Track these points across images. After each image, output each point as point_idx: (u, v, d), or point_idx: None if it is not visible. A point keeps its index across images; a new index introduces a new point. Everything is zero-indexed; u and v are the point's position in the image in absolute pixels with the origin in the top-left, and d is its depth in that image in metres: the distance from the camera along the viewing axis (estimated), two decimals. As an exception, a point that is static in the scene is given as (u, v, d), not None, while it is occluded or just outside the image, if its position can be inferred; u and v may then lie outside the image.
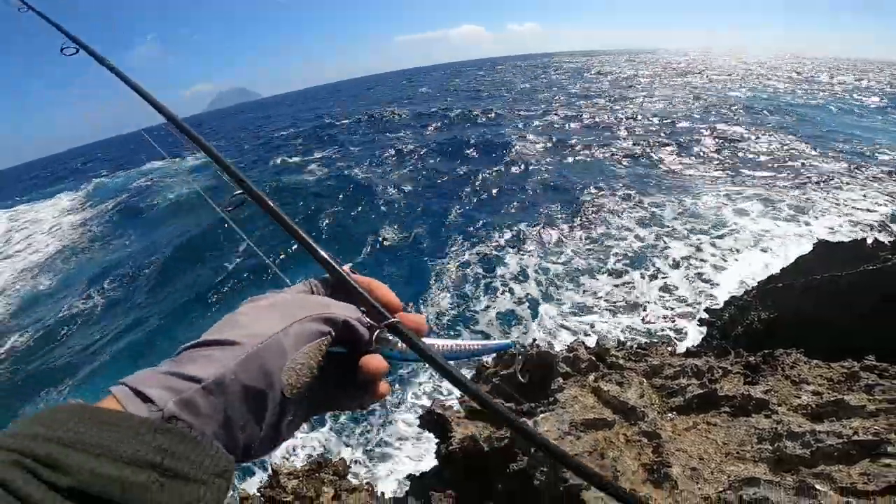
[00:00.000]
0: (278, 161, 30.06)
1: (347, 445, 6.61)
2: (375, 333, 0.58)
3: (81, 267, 19.59)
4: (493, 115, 36.92)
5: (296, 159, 30.19)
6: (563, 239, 14.99)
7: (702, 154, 22.28)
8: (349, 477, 3.04)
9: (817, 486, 1.86)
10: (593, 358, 4.17)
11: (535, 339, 4.91)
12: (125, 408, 0.40)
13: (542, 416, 3.34)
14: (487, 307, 11.55)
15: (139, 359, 11.80)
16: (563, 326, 9.78)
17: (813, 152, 21.13)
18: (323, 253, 0.62)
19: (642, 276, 11.69)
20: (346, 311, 0.55)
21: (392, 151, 27.65)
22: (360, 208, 19.36)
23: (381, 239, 16.29)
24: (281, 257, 12.48)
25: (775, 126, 27.40)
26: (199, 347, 0.46)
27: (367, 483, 3.06)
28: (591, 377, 3.86)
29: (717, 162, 20.95)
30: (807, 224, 13.16)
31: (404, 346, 0.58)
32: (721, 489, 2.09)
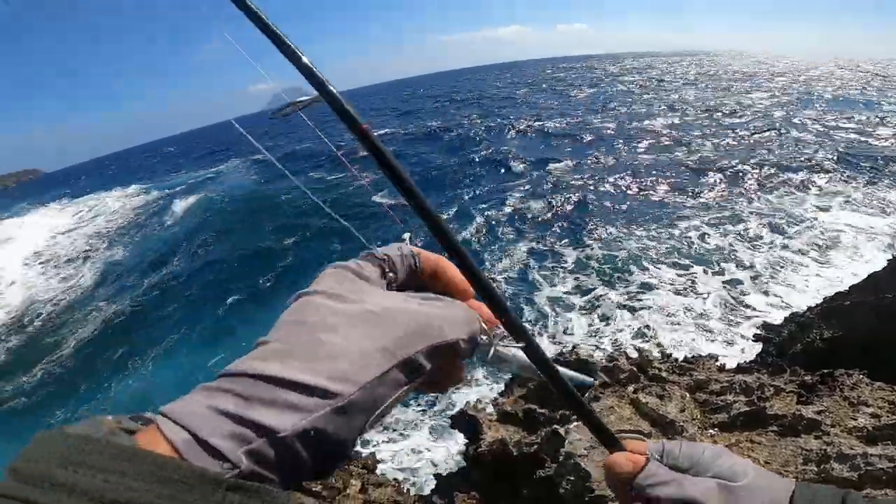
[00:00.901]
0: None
1: (375, 444, 6.72)
2: (479, 346, 0.49)
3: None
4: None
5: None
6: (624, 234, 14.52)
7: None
8: (377, 472, 3.10)
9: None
10: (634, 369, 4.01)
11: (575, 346, 4.79)
12: (186, 459, 0.31)
13: (574, 424, 3.26)
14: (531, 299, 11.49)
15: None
16: (606, 331, 9.48)
17: None
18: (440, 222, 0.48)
19: (704, 274, 11.10)
20: (455, 325, 0.45)
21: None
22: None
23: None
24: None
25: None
26: (275, 384, 0.35)
27: (395, 479, 3.10)
28: (631, 388, 3.71)
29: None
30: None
31: (503, 353, 0.51)
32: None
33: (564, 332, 10.12)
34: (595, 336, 9.40)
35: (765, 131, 27.42)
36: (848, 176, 17.53)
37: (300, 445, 0.34)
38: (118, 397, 11.17)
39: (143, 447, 0.31)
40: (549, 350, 9.08)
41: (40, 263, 21.98)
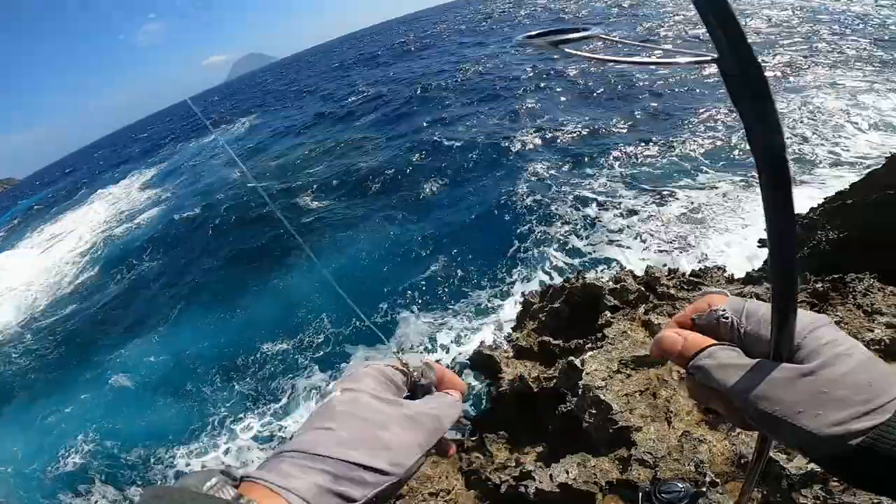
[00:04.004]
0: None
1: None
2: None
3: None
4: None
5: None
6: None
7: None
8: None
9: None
10: (642, 288, 4.02)
11: (580, 270, 4.78)
12: None
13: (589, 354, 3.32)
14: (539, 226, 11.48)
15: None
16: (608, 245, 9.54)
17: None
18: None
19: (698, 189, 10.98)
20: (450, 417, 0.62)
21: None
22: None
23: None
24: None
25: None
26: (354, 466, 0.50)
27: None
28: (641, 309, 3.75)
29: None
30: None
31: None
32: (782, 433, 2.02)
33: (567, 254, 10.17)
34: (599, 259, 9.42)
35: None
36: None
37: None
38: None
39: None
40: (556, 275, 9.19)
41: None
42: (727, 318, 0.57)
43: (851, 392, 0.47)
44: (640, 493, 1.44)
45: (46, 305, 18.27)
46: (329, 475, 0.48)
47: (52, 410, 11.12)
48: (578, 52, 0.45)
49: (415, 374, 0.65)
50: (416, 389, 0.65)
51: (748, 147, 0.42)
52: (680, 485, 1.33)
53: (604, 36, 0.47)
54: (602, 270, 8.93)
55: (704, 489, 1.70)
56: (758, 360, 0.52)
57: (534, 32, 0.47)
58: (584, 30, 0.45)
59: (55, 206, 39.94)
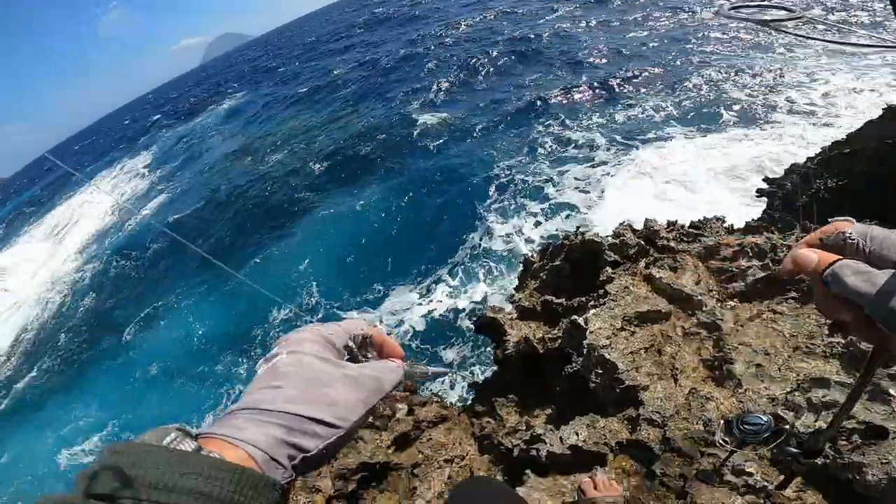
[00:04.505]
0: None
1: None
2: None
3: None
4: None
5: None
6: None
7: None
8: (419, 392, 3.26)
9: (891, 391, 1.78)
10: (642, 242, 4.00)
11: (579, 227, 4.75)
12: (265, 472, 0.48)
13: (592, 312, 3.33)
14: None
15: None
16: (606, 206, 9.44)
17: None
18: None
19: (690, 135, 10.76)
20: (390, 380, 0.67)
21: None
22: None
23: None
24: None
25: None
26: (305, 420, 0.54)
27: (437, 395, 3.27)
28: (642, 263, 3.74)
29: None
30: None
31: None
32: (788, 390, 2.05)
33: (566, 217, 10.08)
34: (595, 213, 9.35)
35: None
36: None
37: (318, 455, 0.54)
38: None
39: (232, 461, 0.45)
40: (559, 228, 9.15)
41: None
42: (854, 239, 0.62)
43: None
44: (723, 422, 1.48)
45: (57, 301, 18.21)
46: (283, 427, 0.52)
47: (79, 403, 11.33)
48: (793, 32, 0.50)
49: (354, 339, 0.71)
50: (355, 354, 0.70)
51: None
52: (763, 417, 1.37)
53: (809, 16, 0.51)
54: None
55: (788, 425, 1.73)
56: (890, 270, 0.55)
57: (739, 3, 0.50)
58: (787, 9, 0.49)
59: (48, 203, 39.04)
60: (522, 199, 10.99)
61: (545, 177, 11.57)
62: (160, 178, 28.58)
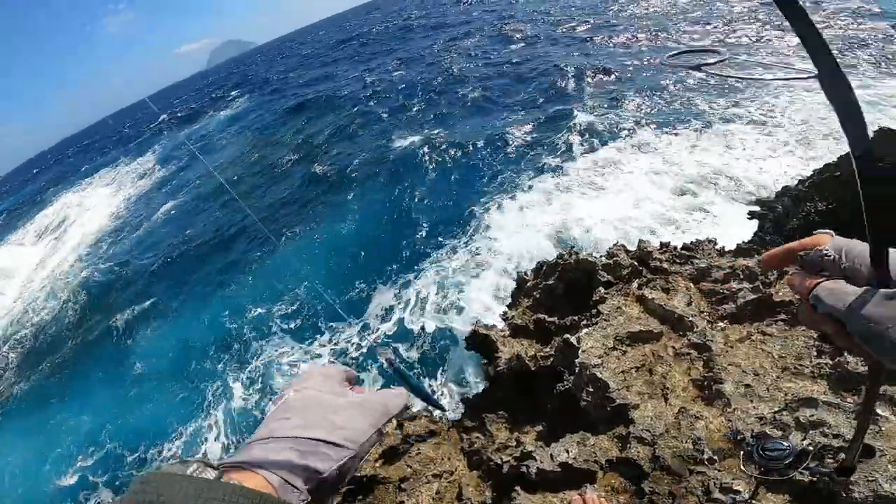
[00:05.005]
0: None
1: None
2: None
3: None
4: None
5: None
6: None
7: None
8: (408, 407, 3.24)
9: (878, 411, 1.80)
10: (635, 262, 4.04)
11: (572, 246, 4.79)
12: (280, 496, 0.51)
13: (584, 331, 3.34)
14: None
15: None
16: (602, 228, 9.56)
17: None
18: None
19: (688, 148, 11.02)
20: (395, 405, 0.70)
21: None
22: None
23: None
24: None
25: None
26: (317, 443, 0.57)
27: (427, 410, 3.25)
28: (635, 284, 3.77)
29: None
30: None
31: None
32: (777, 409, 2.07)
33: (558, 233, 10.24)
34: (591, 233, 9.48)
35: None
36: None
37: (332, 478, 0.57)
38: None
39: (251, 487, 0.49)
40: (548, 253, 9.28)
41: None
42: (829, 255, 0.66)
43: None
44: (742, 451, 1.48)
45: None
46: (296, 451, 0.56)
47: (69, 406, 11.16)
48: (718, 73, 0.59)
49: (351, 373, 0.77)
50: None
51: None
52: (784, 443, 1.37)
53: (729, 57, 0.61)
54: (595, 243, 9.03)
55: (811, 447, 1.72)
56: (863, 288, 0.60)
57: (675, 52, 0.64)
58: (716, 52, 0.61)
59: (39, 203, 38.93)
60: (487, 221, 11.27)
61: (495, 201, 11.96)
62: (160, 180, 28.55)
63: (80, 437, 9.98)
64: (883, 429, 1.71)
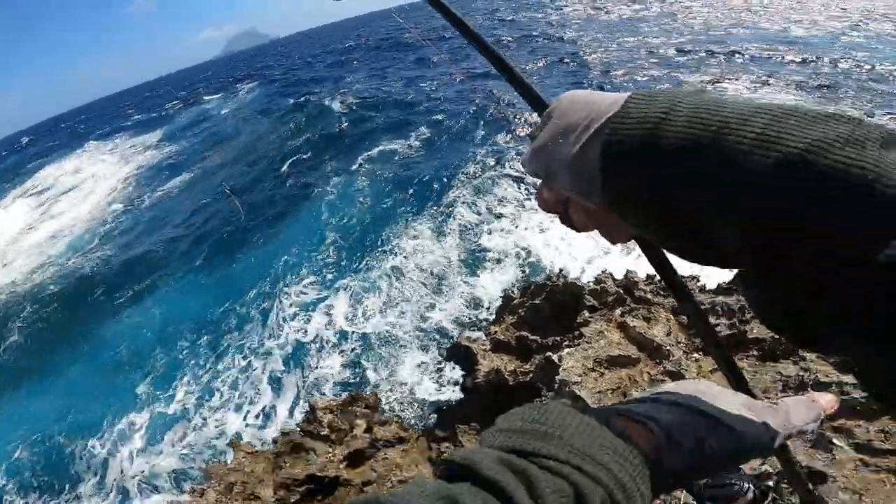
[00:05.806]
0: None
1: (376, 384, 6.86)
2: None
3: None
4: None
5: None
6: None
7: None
8: (380, 410, 3.23)
9: (834, 441, 1.85)
10: (621, 291, 4.12)
11: (562, 269, 4.86)
12: (662, 453, 0.45)
13: (566, 350, 3.40)
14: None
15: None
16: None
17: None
18: None
19: None
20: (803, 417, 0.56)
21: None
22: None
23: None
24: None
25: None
26: (716, 421, 0.48)
27: (398, 417, 3.25)
28: (618, 311, 3.84)
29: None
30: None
31: None
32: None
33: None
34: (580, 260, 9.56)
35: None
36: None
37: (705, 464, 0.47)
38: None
39: (641, 446, 0.43)
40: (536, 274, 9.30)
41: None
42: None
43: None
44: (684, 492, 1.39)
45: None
46: (696, 419, 0.48)
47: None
48: None
49: None
50: None
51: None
52: (735, 483, 1.27)
53: None
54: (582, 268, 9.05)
55: (770, 482, 1.67)
56: None
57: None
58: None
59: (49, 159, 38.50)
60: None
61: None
62: (169, 154, 28.03)
63: (51, 411, 9.68)
64: (837, 457, 1.76)
